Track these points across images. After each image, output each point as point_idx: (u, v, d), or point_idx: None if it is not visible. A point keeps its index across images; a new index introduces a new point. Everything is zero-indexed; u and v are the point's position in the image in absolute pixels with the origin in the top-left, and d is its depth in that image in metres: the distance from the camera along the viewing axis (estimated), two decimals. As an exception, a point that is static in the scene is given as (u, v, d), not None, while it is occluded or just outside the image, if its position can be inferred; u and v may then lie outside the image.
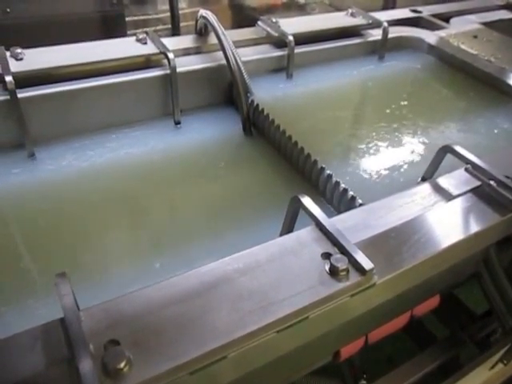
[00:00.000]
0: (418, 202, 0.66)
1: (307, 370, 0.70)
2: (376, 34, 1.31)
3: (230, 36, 1.04)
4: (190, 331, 0.44)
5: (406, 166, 0.88)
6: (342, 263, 0.51)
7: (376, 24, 1.30)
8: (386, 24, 1.27)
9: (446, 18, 1.50)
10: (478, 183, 0.68)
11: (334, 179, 0.82)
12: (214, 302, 0.47)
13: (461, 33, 1.36)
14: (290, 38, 1.13)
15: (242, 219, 0.83)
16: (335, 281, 0.50)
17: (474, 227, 0.62)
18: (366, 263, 0.51)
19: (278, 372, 0.61)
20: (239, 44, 1.12)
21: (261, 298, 0.48)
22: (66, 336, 0.42)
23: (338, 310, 0.51)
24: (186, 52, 1.12)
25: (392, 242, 0.57)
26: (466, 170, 0.71)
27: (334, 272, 0.50)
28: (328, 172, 0.83)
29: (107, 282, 0.70)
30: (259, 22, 1.23)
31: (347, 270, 0.51)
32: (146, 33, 1.07)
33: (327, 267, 0.51)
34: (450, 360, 0.90)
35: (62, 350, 0.42)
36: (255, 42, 1.20)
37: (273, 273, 0.51)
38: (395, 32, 1.34)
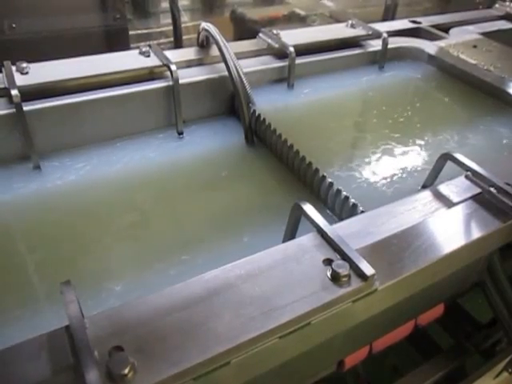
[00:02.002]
0: (419, 208, 0.66)
1: (311, 380, 0.70)
2: (376, 45, 1.32)
3: (232, 48, 1.06)
4: (193, 337, 0.44)
5: (406, 174, 0.88)
6: (343, 269, 0.51)
7: (376, 35, 1.31)
8: (385, 35, 1.29)
9: (445, 28, 1.51)
10: (479, 190, 0.69)
11: (335, 187, 0.82)
12: (216, 308, 0.47)
13: (460, 43, 1.37)
14: (291, 49, 1.14)
15: (245, 228, 0.83)
16: (337, 286, 0.50)
17: (475, 234, 0.62)
18: (368, 269, 0.51)
19: (282, 382, 0.61)
20: (241, 55, 1.14)
21: (263, 303, 0.48)
22: (71, 343, 0.43)
23: (339, 316, 0.51)
24: (189, 64, 1.13)
25: (393, 249, 0.58)
26: (467, 177, 0.71)
27: (335, 278, 0.51)
28: (329, 180, 0.84)
29: (110, 290, 0.70)
30: (260, 34, 1.24)
31: (349, 276, 0.51)
32: (149, 46, 1.08)
33: (329, 273, 0.52)
34: (455, 370, 0.89)
35: (68, 357, 0.43)
36: (256, 54, 1.21)
37: (275, 279, 0.51)
38: (395, 42, 1.35)
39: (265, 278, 0.51)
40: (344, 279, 0.51)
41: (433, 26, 1.50)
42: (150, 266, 0.76)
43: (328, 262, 0.53)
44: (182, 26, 1.51)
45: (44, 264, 0.75)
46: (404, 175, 0.88)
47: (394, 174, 0.88)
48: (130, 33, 1.48)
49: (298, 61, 1.16)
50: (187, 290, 0.49)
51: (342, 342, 0.64)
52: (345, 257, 0.53)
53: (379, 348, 0.73)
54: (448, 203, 0.67)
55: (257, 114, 1.03)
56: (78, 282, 0.67)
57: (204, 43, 1.16)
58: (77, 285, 0.48)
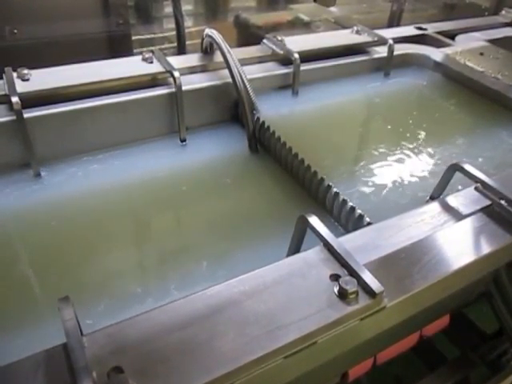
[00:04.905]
0: (427, 221, 0.65)
1: (315, 393, 0.69)
2: (381, 51, 1.31)
3: (236, 54, 1.05)
4: (195, 358, 0.43)
5: (413, 184, 0.87)
6: (351, 285, 0.50)
7: (381, 41, 1.30)
8: (391, 41, 1.28)
9: (451, 35, 1.50)
10: (488, 202, 0.67)
11: (341, 197, 0.81)
12: (219, 326, 0.46)
13: (466, 50, 1.36)
14: (296, 55, 1.13)
15: (248, 237, 0.82)
16: (344, 304, 0.49)
17: (486, 248, 0.60)
18: (376, 286, 0.50)
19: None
20: (245, 62, 1.12)
21: (268, 321, 0.47)
22: (69, 363, 0.41)
23: (346, 334, 0.50)
24: (192, 70, 1.12)
25: (402, 263, 0.56)
26: (476, 188, 0.70)
27: (342, 295, 0.49)
28: (335, 190, 0.82)
29: (112, 301, 0.69)
30: (264, 40, 1.23)
31: (356, 293, 0.50)
32: (152, 52, 1.07)
33: (336, 290, 0.50)
34: (460, 382, 0.88)
35: (64, 377, 0.41)
36: (261, 60, 1.20)
37: (280, 295, 0.50)
38: (401, 49, 1.34)
39: (270, 294, 0.50)
40: (352, 296, 0.49)
41: (439, 33, 1.49)
42: (152, 275, 0.75)
43: (335, 277, 0.51)
44: (186, 31, 1.50)
45: (45, 272, 0.74)
46: (411, 185, 0.87)
47: (401, 184, 0.87)
48: (134, 38, 1.47)
49: (303, 67, 1.15)
50: (189, 307, 0.48)
51: (347, 355, 0.63)
52: (352, 272, 0.51)
53: (383, 359, 0.72)
54: (457, 215, 0.66)
55: (261, 121, 1.02)
56: (79, 292, 0.67)
57: (208, 49, 1.15)
58: (77, 296, 0.47)
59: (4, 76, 0.92)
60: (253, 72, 1.12)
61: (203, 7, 1.66)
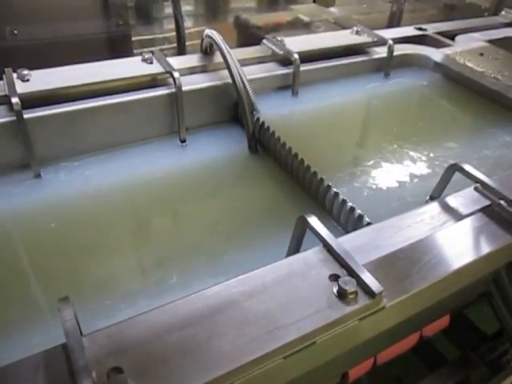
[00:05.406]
0: (426, 221, 0.65)
1: (315, 393, 0.69)
2: (381, 52, 1.31)
3: (236, 54, 1.04)
4: (195, 358, 0.43)
5: (413, 185, 0.87)
6: (350, 286, 0.50)
7: (381, 42, 1.30)
8: (391, 42, 1.28)
9: (451, 35, 1.50)
10: (488, 202, 0.67)
11: (340, 197, 0.81)
12: (219, 326, 0.46)
13: (466, 50, 1.36)
14: (296, 56, 1.13)
15: (248, 238, 0.82)
16: (343, 304, 0.49)
17: (485, 248, 0.60)
18: (375, 286, 0.50)
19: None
20: (245, 62, 1.13)
21: (267, 322, 0.47)
22: (68, 363, 0.41)
23: (346, 334, 0.50)
24: (192, 71, 1.12)
25: (401, 264, 0.56)
26: (476, 188, 0.70)
27: (342, 295, 0.49)
28: (334, 190, 0.82)
29: (112, 301, 0.69)
30: (264, 41, 1.23)
31: (356, 293, 0.50)
32: (152, 52, 1.07)
33: (335, 290, 0.50)
34: (460, 382, 0.88)
35: (64, 377, 0.41)
36: (260, 61, 1.20)
37: (279, 296, 0.50)
38: (400, 50, 1.34)
39: (269, 294, 0.50)
40: (351, 296, 0.49)
41: (438, 33, 1.49)
42: (152, 275, 0.75)
43: (334, 277, 0.52)
44: (186, 31, 1.51)
45: (45, 274, 0.74)
46: (410, 185, 0.87)
47: (400, 184, 0.87)
48: (134, 38, 1.47)
49: (303, 68, 1.15)
50: (189, 307, 0.48)
51: (347, 355, 0.63)
52: (352, 273, 0.51)
53: (384, 360, 0.72)
54: (457, 216, 0.66)
55: (261, 121, 1.02)
56: (78, 293, 0.67)
57: (208, 50, 1.15)
58: (76, 297, 0.47)
59: (4, 77, 0.92)
60: (253, 72, 1.12)
61: (203, 8, 1.66)
